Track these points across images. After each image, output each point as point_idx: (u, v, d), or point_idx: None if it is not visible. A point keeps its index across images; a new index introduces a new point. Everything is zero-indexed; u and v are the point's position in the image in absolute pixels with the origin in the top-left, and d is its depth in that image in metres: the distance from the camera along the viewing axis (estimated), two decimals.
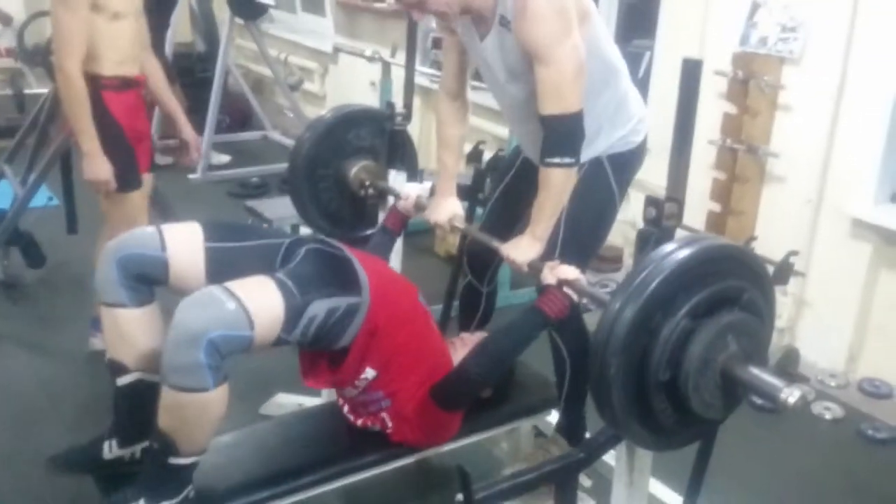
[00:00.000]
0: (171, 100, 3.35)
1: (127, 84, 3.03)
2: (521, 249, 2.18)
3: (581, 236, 2.31)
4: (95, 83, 2.93)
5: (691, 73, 1.70)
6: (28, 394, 3.19)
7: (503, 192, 2.61)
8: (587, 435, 2.47)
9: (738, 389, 1.65)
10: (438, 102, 2.52)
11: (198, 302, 1.76)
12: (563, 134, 2.09)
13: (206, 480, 1.94)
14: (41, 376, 3.31)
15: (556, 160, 2.09)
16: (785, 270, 2.00)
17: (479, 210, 2.81)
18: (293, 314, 1.84)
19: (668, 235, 1.75)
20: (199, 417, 1.80)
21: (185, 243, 2.03)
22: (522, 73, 2.16)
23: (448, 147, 2.52)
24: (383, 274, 2.19)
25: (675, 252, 1.58)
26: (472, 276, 2.71)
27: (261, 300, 1.81)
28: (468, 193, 2.79)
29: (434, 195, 2.51)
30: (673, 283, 1.56)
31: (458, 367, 2.15)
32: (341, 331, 1.96)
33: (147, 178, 3.27)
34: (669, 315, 1.57)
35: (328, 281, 1.96)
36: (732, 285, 1.63)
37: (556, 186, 2.13)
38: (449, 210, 2.47)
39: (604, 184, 2.34)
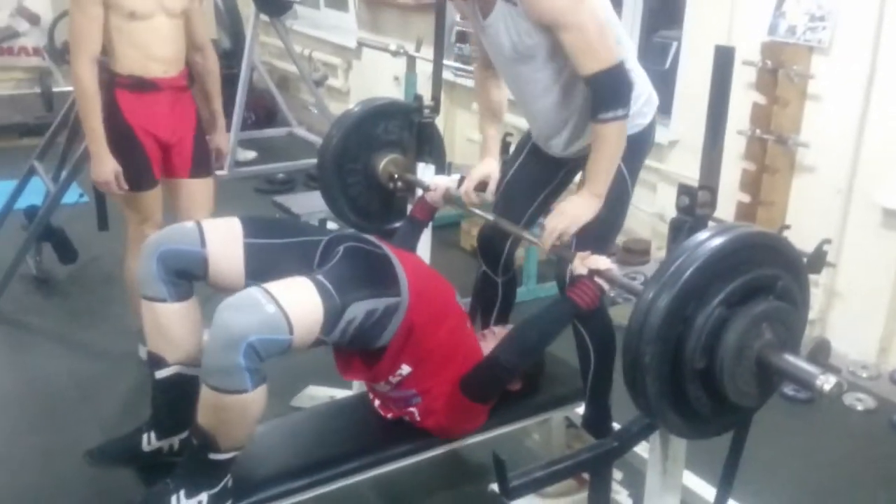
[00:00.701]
0: (212, 103, 3.29)
1: (143, 84, 2.98)
2: (580, 206, 2.18)
3: (597, 226, 2.28)
4: (111, 80, 2.94)
5: (724, 60, 1.69)
6: (61, 388, 3.24)
7: (512, 179, 2.59)
8: (616, 426, 2.46)
9: (773, 377, 1.64)
10: (476, 71, 2.58)
11: (238, 305, 1.75)
12: (609, 88, 2.10)
13: (241, 471, 1.96)
14: (74, 371, 3.35)
15: (610, 114, 2.10)
16: (818, 259, 1.98)
17: None
18: (332, 317, 1.84)
19: (701, 224, 1.74)
20: (239, 417, 1.81)
21: (224, 239, 2.04)
22: (528, 50, 2.17)
23: (486, 112, 2.59)
24: (421, 271, 2.19)
25: (709, 240, 1.57)
26: (485, 266, 2.67)
27: (300, 303, 1.80)
28: (495, 185, 2.78)
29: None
30: (707, 272, 1.56)
31: (486, 357, 2.15)
32: (380, 331, 1.96)
33: (194, 185, 3.20)
34: (704, 303, 1.57)
35: (367, 281, 1.96)
36: (767, 273, 1.63)
37: (612, 141, 2.14)
38: (484, 170, 2.51)
39: (616, 172, 2.28)
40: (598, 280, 2.00)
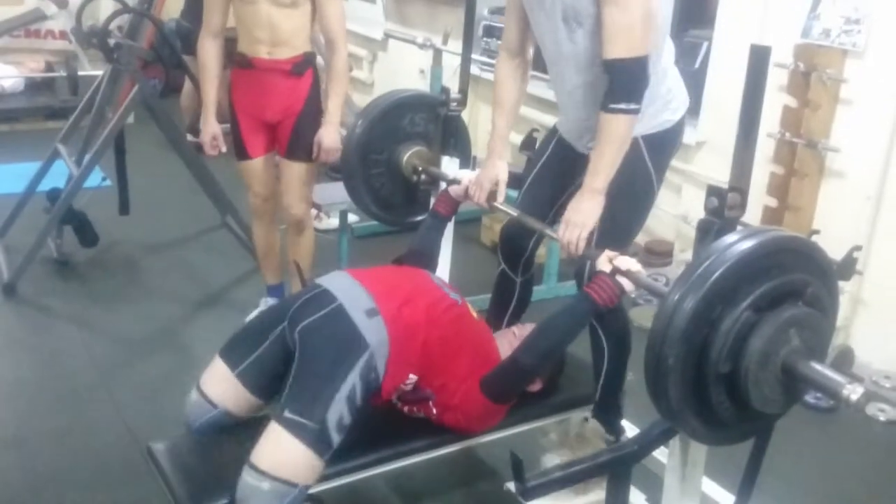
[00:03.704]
0: (328, 99, 3.28)
1: (244, 62, 3.19)
2: (585, 210, 2.15)
3: (618, 223, 2.25)
4: (233, 56, 3.26)
5: (759, 60, 1.66)
6: (79, 372, 3.24)
7: (538, 176, 2.54)
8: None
9: (798, 385, 1.61)
10: (498, 61, 2.48)
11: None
12: (629, 78, 2.06)
13: None
14: (92, 354, 3.36)
15: (622, 105, 2.06)
16: (849, 266, 1.94)
17: None
18: (319, 441, 1.92)
19: (730, 226, 1.71)
20: None
21: (222, 386, 2.14)
22: (577, 14, 2.11)
23: (500, 107, 2.48)
24: (383, 283, 2.18)
25: (738, 243, 1.54)
26: (505, 265, 2.61)
27: (285, 458, 1.89)
28: (520, 182, 2.76)
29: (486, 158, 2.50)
30: (736, 275, 1.52)
31: (507, 359, 2.14)
32: (375, 382, 2.03)
33: (287, 166, 3.30)
34: (731, 307, 1.53)
35: (330, 364, 1.98)
36: (797, 278, 1.59)
37: (618, 133, 2.10)
38: (491, 174, 2.45)
39: (640, 167, 2.26)
40: (619, 279, 1.97)
